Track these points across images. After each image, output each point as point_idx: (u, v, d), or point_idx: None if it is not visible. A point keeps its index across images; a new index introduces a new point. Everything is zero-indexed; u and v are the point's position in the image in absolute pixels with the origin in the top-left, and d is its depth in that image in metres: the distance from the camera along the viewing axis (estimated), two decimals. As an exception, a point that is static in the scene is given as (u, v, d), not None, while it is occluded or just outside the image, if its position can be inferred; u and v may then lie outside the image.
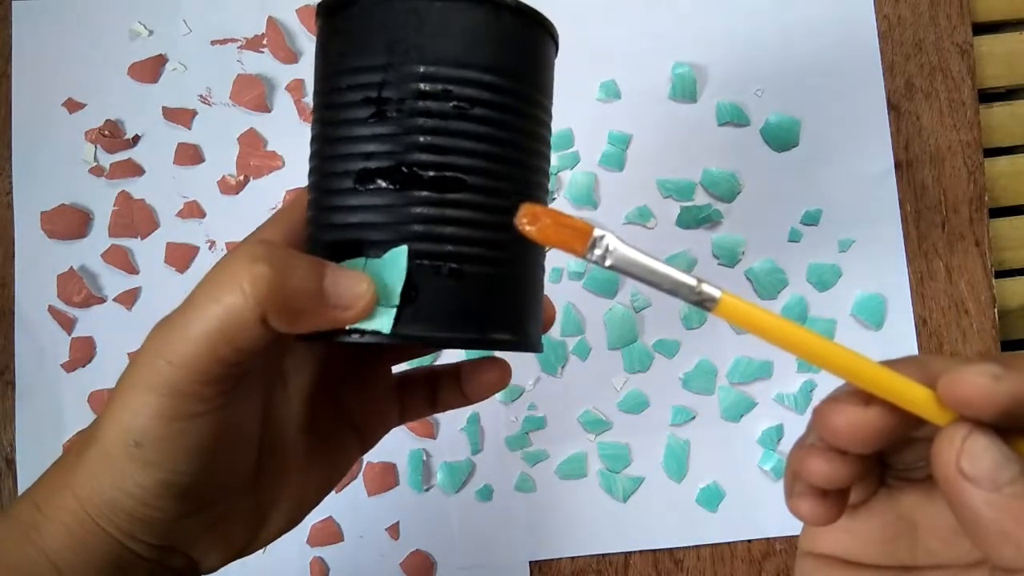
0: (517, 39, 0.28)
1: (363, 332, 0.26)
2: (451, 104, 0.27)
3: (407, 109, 0.27)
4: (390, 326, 0.26)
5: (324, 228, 0.28)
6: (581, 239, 0.22)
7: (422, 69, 0.27)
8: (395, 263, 0.26)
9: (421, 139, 0.26)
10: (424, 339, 0.27)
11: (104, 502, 0.26)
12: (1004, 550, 0.20)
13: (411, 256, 0.26)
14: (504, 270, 0.28)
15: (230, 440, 0.28)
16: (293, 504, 0.32)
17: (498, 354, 0.34)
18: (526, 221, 0.22)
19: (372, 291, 0.26)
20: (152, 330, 0.26)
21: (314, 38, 0.48)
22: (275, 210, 0.32)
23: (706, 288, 0.22)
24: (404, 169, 0.26)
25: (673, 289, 0.22)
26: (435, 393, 0.34)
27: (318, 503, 0.33)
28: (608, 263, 0.22)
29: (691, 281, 0.22)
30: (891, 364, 0.22)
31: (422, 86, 0.27)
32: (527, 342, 0.29)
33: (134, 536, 0.26)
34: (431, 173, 0.26)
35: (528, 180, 0.29)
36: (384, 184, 0.26)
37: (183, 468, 0.26)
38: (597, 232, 0.22)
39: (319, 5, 0.29)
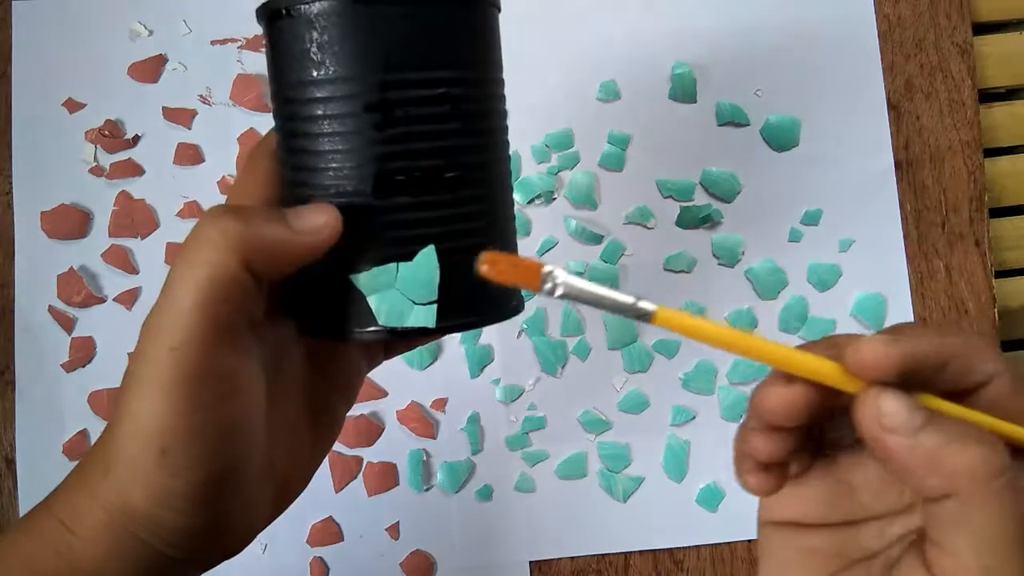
0: (486, 26, 0.30)
1: (411, 329, 0.28)
2: (448, 106, 0.28)
3: (412, 115, 0.28)
4: (434, 320, 0.28)
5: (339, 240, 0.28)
6: (534, 276, 0.24)
7: (423, 75, 0.28)
8: (427, 263, 0.28)
9: (428, 144, 0.28)
10: (462, 326, 0.30)
11: (137, 513, 0.26)
12: (929, 481, 0.23)
13: (439, 254, 0.28)
14: (507, 248, 0.31)
15: (246, 431, 0.28)
16: (302, 475, 0.33)
17: None
18: (486, 267, 0.24)
19: (336, 216, 0.27)
20: (144, 325, 0.26)
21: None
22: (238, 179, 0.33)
23: (642, 304, 0.24)
24: (417, 174, 0.28)
25: (616, 309, 0.24)
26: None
27: (318, 466, 0.34)
28: (558, 294, 0.24)
29: (629, 300, 0.24)
30: (806, 347, 0.26)
31: (424, 92, 0.28)
32: (523, 303, 0.33)
33: (168, 542, 0.27)
34: (445, 174, 0.28)
35: (505, 157, 0.31)
36: (398, 190, 0.28)
37: (210, 468, 0.26)
38: (546, 268, 0.24)
39: (267, 6, 0.29)
